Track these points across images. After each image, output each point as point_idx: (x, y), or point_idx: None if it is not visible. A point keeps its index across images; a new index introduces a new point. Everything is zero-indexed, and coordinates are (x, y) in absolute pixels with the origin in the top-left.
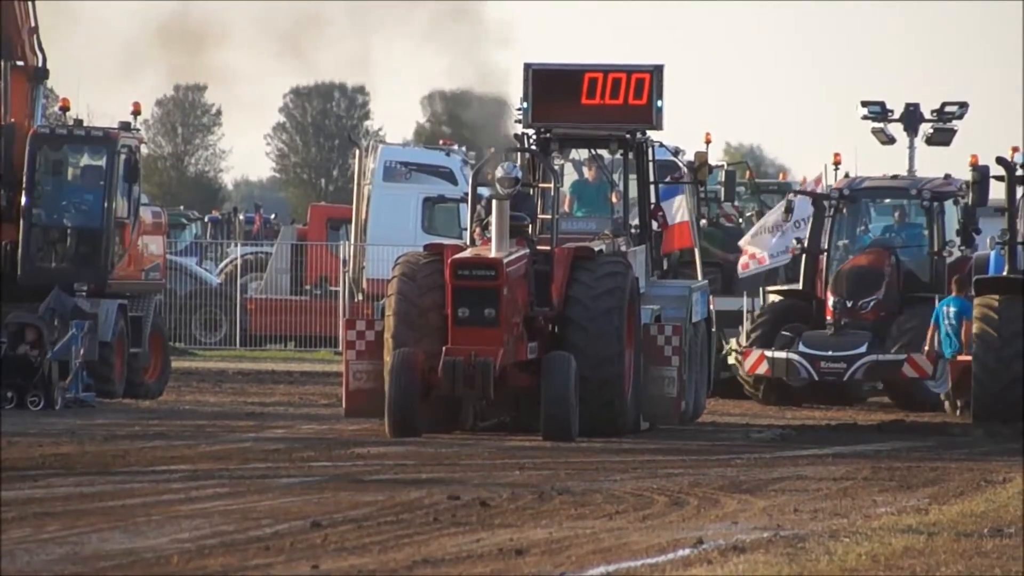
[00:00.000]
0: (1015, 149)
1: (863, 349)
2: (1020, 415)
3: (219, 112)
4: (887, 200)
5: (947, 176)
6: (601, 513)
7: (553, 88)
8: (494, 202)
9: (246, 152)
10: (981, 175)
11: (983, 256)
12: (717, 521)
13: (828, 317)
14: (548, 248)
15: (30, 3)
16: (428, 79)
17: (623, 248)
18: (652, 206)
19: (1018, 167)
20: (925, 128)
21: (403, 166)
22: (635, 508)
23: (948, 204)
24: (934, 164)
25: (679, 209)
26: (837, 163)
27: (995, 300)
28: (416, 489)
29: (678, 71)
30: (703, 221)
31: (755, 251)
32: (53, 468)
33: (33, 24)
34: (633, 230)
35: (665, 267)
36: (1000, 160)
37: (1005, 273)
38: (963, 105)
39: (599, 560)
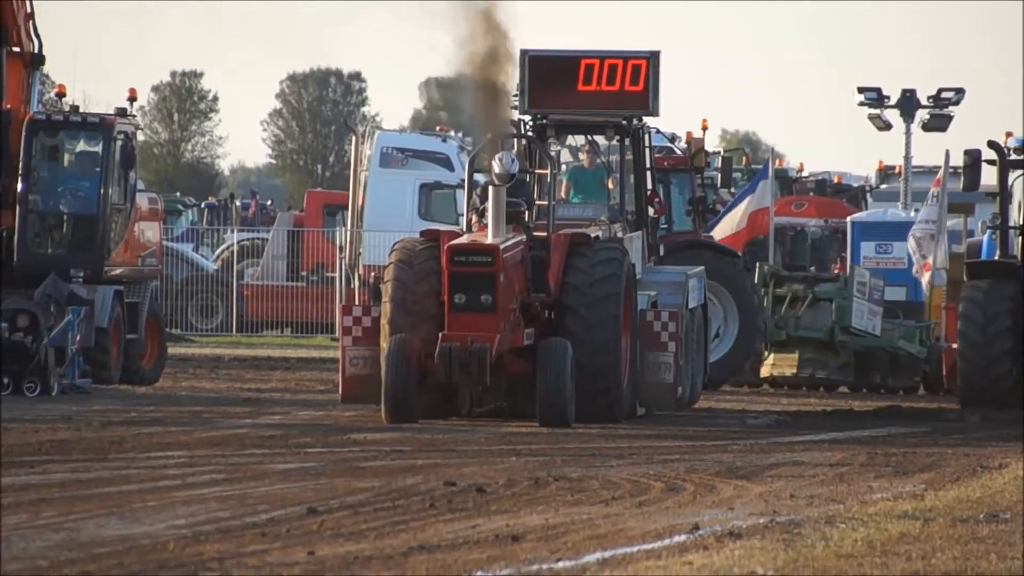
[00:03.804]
0: (1008, 134)
1: None
2: (1005, 395)
3: (216, 98)
4: None
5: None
6: (597, 499)
7: (549, 74)
8: (490, 188)
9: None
10: (973, 159)
11: (976, 242)
12: (713, 507)
13: None
14: (544, 234)
15: None
16: (425, 65)
17: (620, 234)
18: (649, 192)
19: (1010, 151)
20: (922, 114)
21: (399, 152)
22: (631, 494)
23: None
24: (932, 150)
25: (763, 195)
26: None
27: (982, 284)
28: (412, 475)
29: (674, 57)
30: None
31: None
32: (49, 454)
33: (29, 10)
34: (629, 216)
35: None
36: (992, 144)
37: (997, 257)
38: (959, 91)
39: (595, 546)
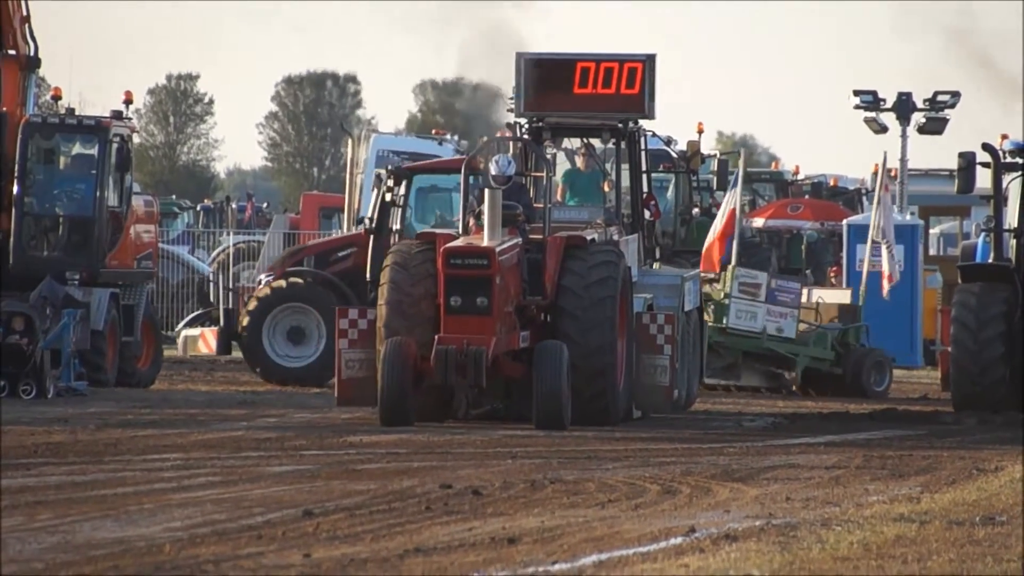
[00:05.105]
0: (1004, 136)
1: None
2: (997, 398)
3: (211, 101)
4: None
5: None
6: (593, 502)
7: (546, 77)
8: (486, 191)
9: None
10: (967, 162)
11: (971, 244)
12: (709, 509)
13: None
14: (540, 237)
15: None
16: (421, 67)
17: (615, 237)
18: (644, 195)
19: (1005, 154)
20: (917, 117)
21: (395, 155)
22: (627, 497)
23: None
24: (928, 153)
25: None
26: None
27: (976, 287)
28: (408, 478)
29: (670, 60)
30: (696, 210)
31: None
32: (45, 456)
33: (25, 13)
34: (625, 219)
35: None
36: (986, 147)
37: (991, 261)
38: (955, 94)
39: (591, 549)
